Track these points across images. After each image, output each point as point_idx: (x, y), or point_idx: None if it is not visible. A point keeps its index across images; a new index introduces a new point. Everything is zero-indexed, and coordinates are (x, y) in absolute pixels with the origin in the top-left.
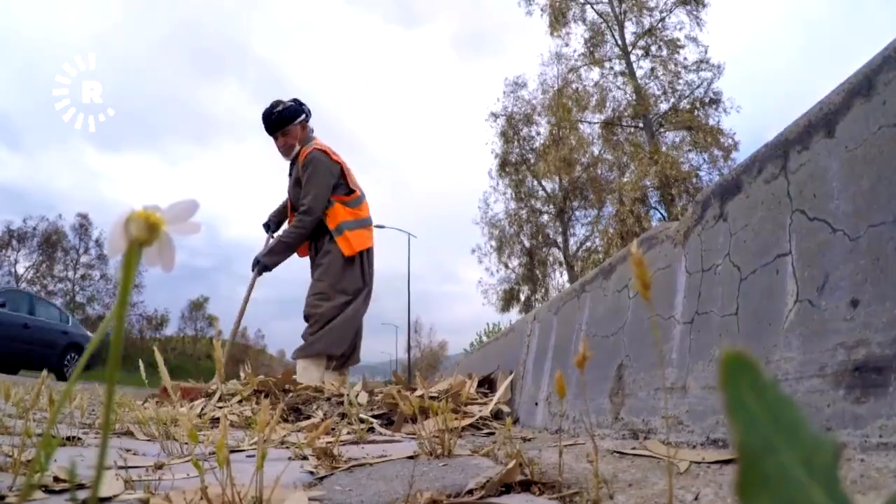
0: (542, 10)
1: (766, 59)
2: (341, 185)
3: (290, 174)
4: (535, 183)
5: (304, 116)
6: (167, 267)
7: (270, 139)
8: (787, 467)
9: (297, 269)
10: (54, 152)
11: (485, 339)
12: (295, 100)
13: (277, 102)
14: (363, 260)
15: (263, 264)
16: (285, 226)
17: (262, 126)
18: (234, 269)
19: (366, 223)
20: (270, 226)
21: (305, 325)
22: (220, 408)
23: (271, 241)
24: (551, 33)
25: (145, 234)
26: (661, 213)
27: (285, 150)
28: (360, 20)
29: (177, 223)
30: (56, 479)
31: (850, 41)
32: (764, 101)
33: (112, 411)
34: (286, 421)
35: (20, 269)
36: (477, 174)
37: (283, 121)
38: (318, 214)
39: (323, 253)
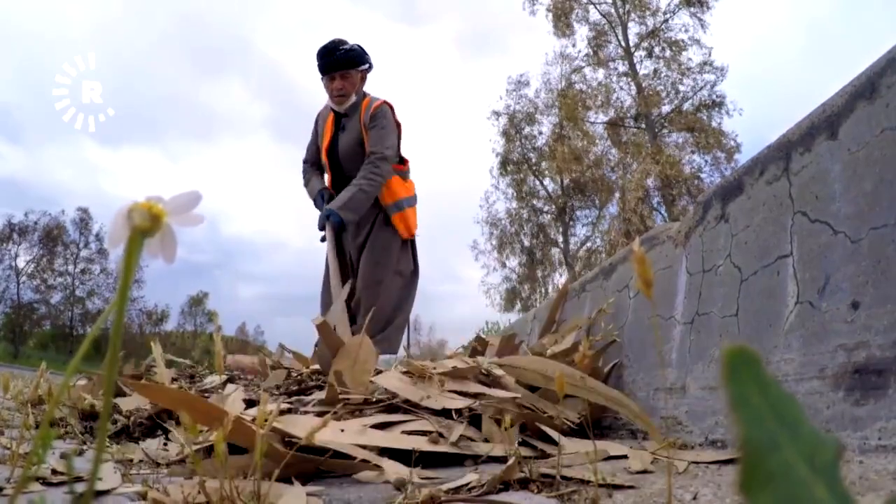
0: (547, 9)
1: (769, 61)
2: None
3: (342, 127)
4: (537, 182)
5: (367, 66)
6: (168, 258)
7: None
8: (790, 464)
9: (296, 266)
10: (56, 147)
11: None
12: (360, 46)
13: (343, 41)
14: (412, 243)
15: (339, 218)
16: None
17: (319, 62)
18: (233, 265)
19: (415, 201)
20: (324, 195)
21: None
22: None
23: (344, 192)
24: (555, 33)
25: (148, 223)
26: (662, 215)
27: (339, 97)
28: (364, 19)
29: (179, 214)
30: (54, 472)
31: (854, 45)
32: (767, 104)
33: (110, 405)
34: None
35: (20, 263)
36: (478, 173)
37: (350, 61)
38: (392, 166)
39: (376, 233)
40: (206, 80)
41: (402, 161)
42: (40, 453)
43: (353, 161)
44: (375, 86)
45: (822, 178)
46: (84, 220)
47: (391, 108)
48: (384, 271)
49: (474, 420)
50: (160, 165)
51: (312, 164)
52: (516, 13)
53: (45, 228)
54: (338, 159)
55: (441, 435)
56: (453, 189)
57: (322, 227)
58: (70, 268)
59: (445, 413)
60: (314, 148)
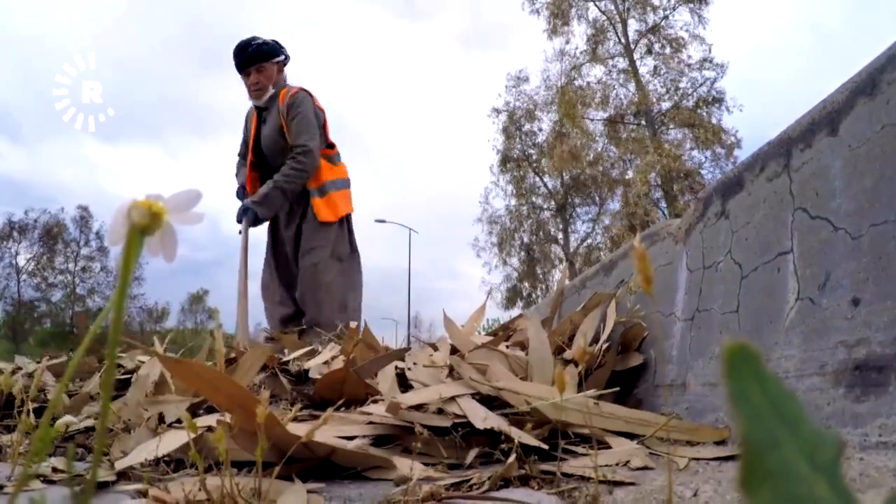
0: (535, 10)
1: (771, 58)
2: (321, 136)
3: (264, 121)
4: (537, 179)
5: (283, 58)
6: (169, 257)
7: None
8: (791, 461)
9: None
10: (56, 145)
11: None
12: (275, 40)
13: (255, 37)
14: (349, 225)
15: (254, 213)
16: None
17: (234, 61)
18: (234, 262)
19: (347, 184)
20: (240, 193)
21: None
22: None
23: (262, 188)
24: (552, 33)
25: (147, 220)
26: (663, 211)
27: (256, 91)
28: (365, 15)
29: (179, 213)
30: (55, 470)
31: (857, 43)
32: (768, 101)
33: (108, 400)
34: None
35: (21, 261)
36: (479, 170)
37: (262, 55)
38: (318, 159)
39: (308, 221)
40: (205, 76)
41: (331, 146)
42: (40, 451)
43: (275, 153)
44: (377, 81)
45: (822, 175)
46: (84, 217)
47: (310, 94)
48: (319, 259)
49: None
50: (160, 162)
51: (242, 159)
52: (517, 10)
53: (45, 226)
54: (261, 153)
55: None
56: (454, 186)
57: (239, 220)
58: (70, 266)
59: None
60: (244, 144)
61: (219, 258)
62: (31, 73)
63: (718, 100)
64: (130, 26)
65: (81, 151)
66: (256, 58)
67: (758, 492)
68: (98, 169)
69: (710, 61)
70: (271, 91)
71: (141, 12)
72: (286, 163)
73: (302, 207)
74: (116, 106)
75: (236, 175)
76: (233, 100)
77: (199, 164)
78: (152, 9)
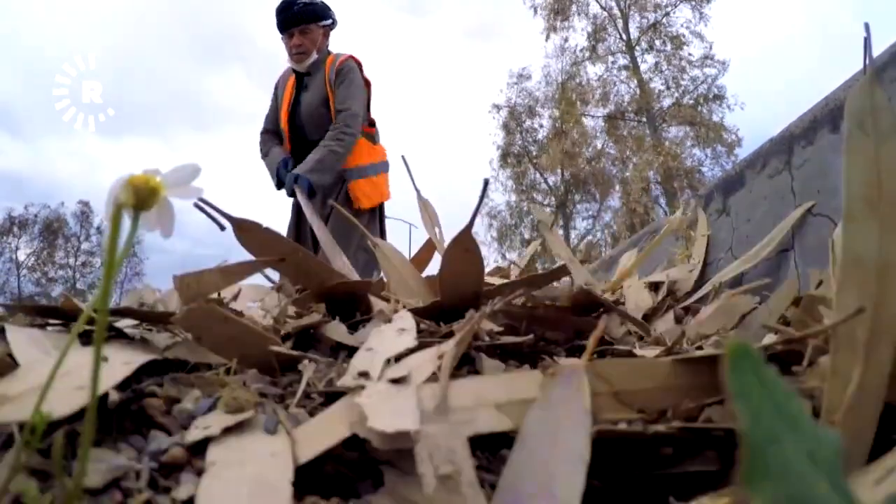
0: (532, 8)
1: (774, 57)
2: (365, 110)
3: (305, 87)
4: (537, 175)
5: (330, 22)
6: (166, 231)
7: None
8: (791, 458)
9: None
10: (56, 140)
11: None
12: (323, 2)
13: None
14: (381, 214)
15: (307, 182)
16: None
17: (277, 18)
18: (235, 259)
19: (387, 167)
20: (288, 163)
21: None
22: None
23: (312, 154)
24: (551, 30)
25: (139, 202)
26: (664, 208)
27: (298, 55)
28: (368, 10)
29: (178, 187)
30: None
31: (860, 41)
32: (771, 100)
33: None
34: None
35: (21, 256)
36: (479, 165)
37: (308, 15)
38: (361, 127)
39: (339, 200)
40: (206, 70)
41: (371, 123)
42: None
43: (317, 123)
44: (378, 76)
45: (824, 173)
46: (85, 213)
47: (359, 64)
48: (345, 248)
49: None
50: (161, 157)
51: (272, 134)
52: (519, 4)
53: (45, 221)
54: (299, 123)
55: None
56: (454, 183)
57: (291, 193)
58: (71, 261)
59: None
60: (273, 115)
61: (219, 254)
62: (31, 72)
63: (719, 97)
64: (131, 24)
65: (82, 147)
66: (302, 18)
67: (760, 489)
68: (99, 164)
69: (712, 58)
70: (314, 56)
71: (142, 9)
72: (333, 127)
73: (336, 194)
74: (117, 102)
75: (264, 156)
76: (233, 95)
77: (200, 158)
78: (153, 5)
